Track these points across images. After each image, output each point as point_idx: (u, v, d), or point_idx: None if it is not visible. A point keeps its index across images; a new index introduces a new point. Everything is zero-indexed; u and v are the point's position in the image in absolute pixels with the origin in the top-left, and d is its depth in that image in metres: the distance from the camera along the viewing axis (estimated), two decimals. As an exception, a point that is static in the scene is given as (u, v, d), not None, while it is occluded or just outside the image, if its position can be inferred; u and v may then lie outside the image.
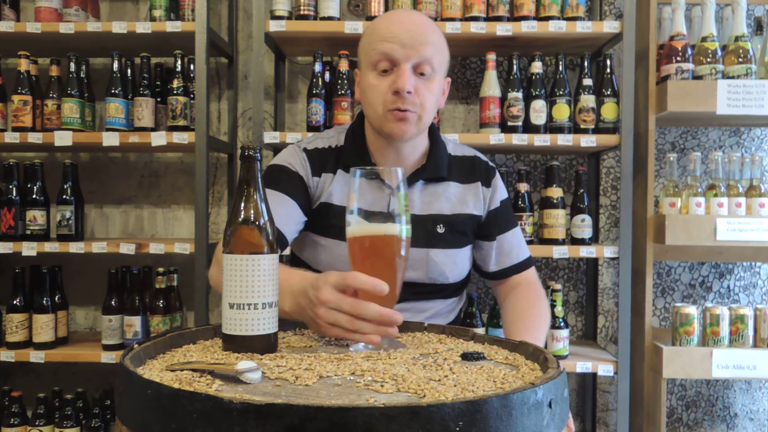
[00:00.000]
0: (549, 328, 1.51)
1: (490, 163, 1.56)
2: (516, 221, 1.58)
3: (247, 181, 0.95)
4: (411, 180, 1.43)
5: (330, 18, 2.26)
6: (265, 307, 0.92)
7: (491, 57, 2.34)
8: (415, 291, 1.42)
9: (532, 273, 1.56)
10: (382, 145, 1.43)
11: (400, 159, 1.44)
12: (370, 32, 1.37)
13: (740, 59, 2.19)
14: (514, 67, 2.32)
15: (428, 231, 1.42)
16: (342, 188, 1.43)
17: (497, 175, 1.55)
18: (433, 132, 1.51)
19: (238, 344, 0.91)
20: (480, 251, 1.54)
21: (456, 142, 1.59)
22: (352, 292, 0.97)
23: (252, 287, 0.91)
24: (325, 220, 1.42)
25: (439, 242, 1.43)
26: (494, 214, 1.51)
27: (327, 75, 2.37)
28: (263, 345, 0.92)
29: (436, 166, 1.45)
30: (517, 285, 1.53)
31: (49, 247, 2.29)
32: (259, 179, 0.95)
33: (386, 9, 2.39)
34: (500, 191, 1.54)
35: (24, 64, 2.37)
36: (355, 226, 1.01)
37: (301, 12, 2.26)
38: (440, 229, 1.43)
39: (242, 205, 0.94)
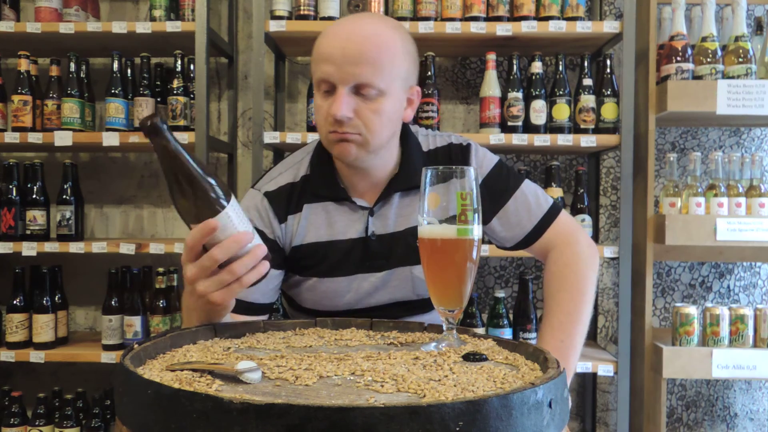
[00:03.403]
0: (593, 298, 1.33)
1: (465, 143, 1.39)
2: (516, 183, 1.37)
3: (170, 152, 0.90)
4: (386, 194, 1.33)
5: (330, 18, 2.25)
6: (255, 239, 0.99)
7: (491, 57, 2.34)
8: (405, 308, 1.36)
9: (559, 226, 1.36)
10: (343, 166, 1.33)
11: (369, 176, 1.33)
12: (315, 46, 1.25)
13: (740, 59, 2.19)
14: (514, 67, 2.32)
15: (409, 247, 1.31)
16: (313, 221, 1.33)
17: (472, 150, 1.38)
18: (406, 134, 1.37)
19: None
20: (487, 235, 1.42)
21: (430, 133, 1.43)
22: (200, 251, 0.96)
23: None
24: (302, 261, 1.34)
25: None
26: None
27: (327, 75, 2.37)
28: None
29: (409, 175, 1.32)
30: (551, 248, 1.36)
31: (49, 247, 2.29)
32: (179, 147, 0.91)
33: (386, 9, 2.40)
34: (480, 167, 1.37)
35: (24, 64, 2.37)
36: (426, 228, 0.98)
37: (301, 12, 2.26)
38: None
39: (178, 180, 0.91)
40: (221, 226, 0.94)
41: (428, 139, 1.41)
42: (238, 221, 0.96)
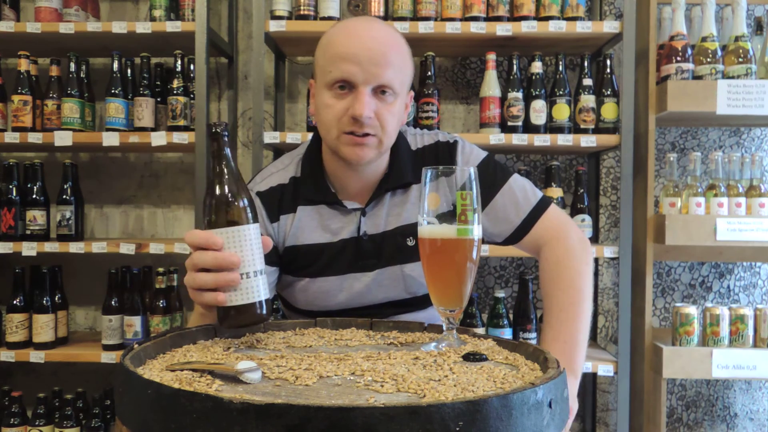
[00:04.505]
0: (591, 293, 1.30)
1: (452, 140, 1.39)
2: (503, 178, 1.36)
3: (218, 158, 0.98)
4: (378, 194, 1.33)
5: (330, 18, 2.26)
6: (257, 275, 0.96)
7: (491, 57, 2.34)
8: (398, 307, 1.36)
9: (548, 220, 1.34)
10: (340, 167, 1.32)
11: (362, 177, 1.33)
12: (327, 45, 1.24)
13: (740, 59, 2.19)
14: (514, 67, 2.32)
15: (399, 246, 1.32)
16: (307, 224, 1.34)
17: (458, 146, 1.37)
18: None
19: (235, 315, 0.96)
20: None
21: (418, 132, 1.43)
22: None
23: (242, 257, 0.95)
24: (296, 262, 1.34)
25: (412, 255, 1.31)
26: None
27: (327, 75, 2.37)
28: (259, 312, 0.97)
29: (398, 174, 1.33)
30: (542, 244, 1.34)
31: (49, 247, 2.29)
32: (229, 154, 0.98)
33: (386, 8, 2.40)
34: (467, 163, 1.35)
35: (24, 64, 2.37)
36: (426, 228, 0.98)
37: (301, 12, 2.26)
38: (410, 242, 1.31)
39: (218, 180, 0.97)
40: (219, 242, 0.95)
41: (416, 138, 1.41)
42: (236, 246, 0.95)
